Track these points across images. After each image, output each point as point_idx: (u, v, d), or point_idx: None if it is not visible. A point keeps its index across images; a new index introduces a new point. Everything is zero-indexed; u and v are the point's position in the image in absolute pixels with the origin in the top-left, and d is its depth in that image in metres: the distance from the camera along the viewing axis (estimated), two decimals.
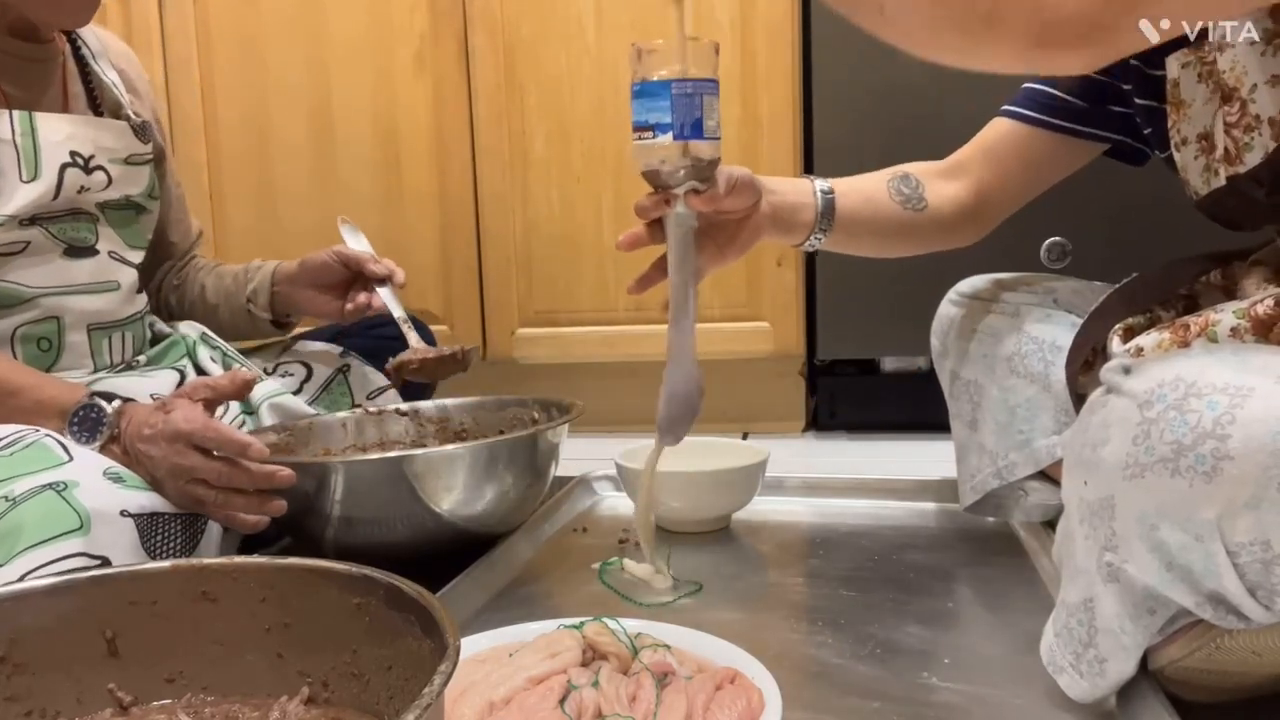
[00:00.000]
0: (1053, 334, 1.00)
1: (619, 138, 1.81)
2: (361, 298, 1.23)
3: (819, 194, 1.01)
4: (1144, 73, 0.90)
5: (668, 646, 0.75)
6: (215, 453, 0.92)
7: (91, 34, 1.20)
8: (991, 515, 1.11)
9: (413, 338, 1.22)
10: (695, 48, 0.84)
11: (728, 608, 0.95)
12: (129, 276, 1.19)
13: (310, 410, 1.24)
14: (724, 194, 0.90)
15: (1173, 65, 0.82)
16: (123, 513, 0.85)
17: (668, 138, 0.84)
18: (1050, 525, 1.04)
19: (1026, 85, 1.03)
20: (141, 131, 1.19)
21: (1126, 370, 0.65)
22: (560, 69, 1.85)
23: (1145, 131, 0.93)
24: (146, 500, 0.89)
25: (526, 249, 1.91)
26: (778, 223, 0.99)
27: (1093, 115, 0.99)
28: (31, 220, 1.07)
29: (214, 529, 0.96)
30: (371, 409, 1.25)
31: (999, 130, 1.05)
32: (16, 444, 0.87)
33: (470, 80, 1.88)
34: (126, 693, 0.59)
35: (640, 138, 0.86)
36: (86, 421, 0.94)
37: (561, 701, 0.67)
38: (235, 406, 1.20)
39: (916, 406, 1.75)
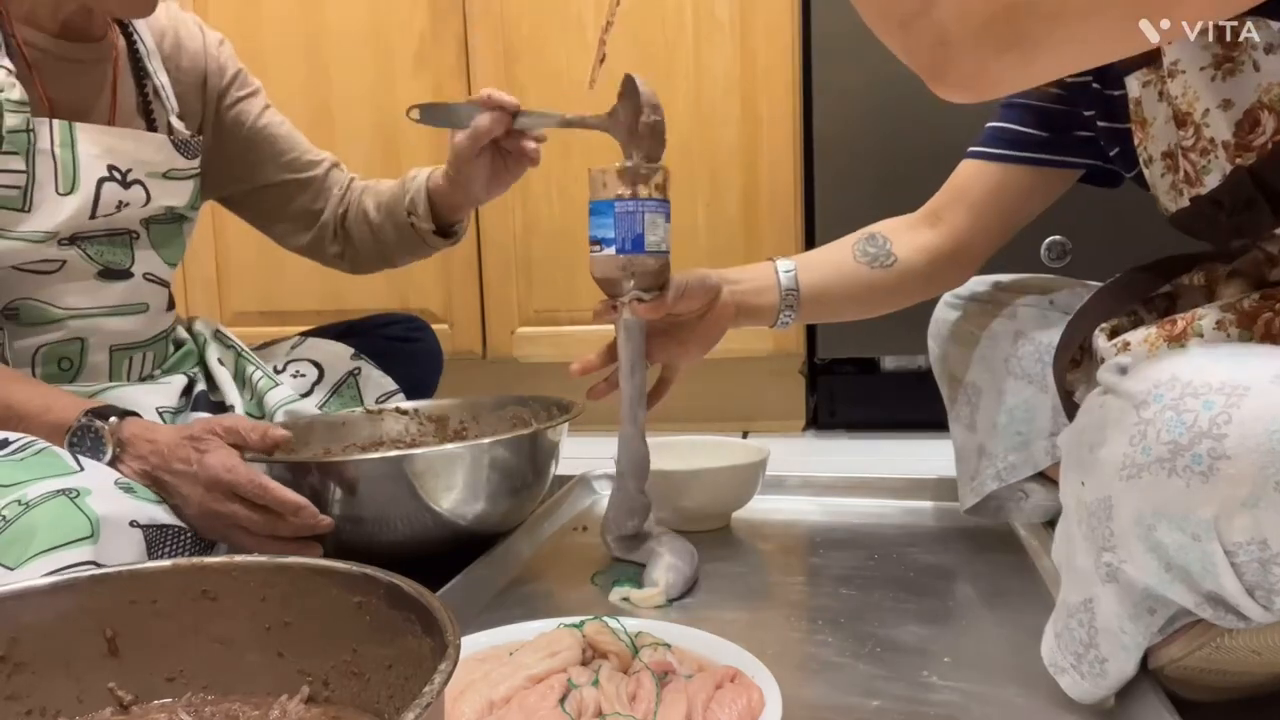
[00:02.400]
0: (1050, 335, 1.00)
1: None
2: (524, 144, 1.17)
3: (780, 274, 1.04)
4: (1104, 94, 0.89)
5: (668, 645, 0.75)
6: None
7: (146, 30, 1.16)
8: (992, 517, 1.10)
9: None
10: (642, 171, 0.95)
11: (728, 607, 0.95)
12: (160, 297, 1.18)
13: (319, 414, 1.24)
14: (671, 302, 0.96)
15: (1133, 84, 0.81)
16: (132, 523, 0.84)
17: (611, 251, 0.93)
18: (1050, 525, 1.04)
19: (989, 124, 1.02)
20: (184, 147, 1.16)
21: (1123, 370, 0.65)
22: (560, 68, 1.85)
23: (1111, 153, 0.92)
24: (156, 512, 0.89)
25: (526, 249, 1.91)
26: (742, 311, 1.04)
27: (1057, 144, 0.98)
28: (70, 240, 1.05)
29: (222, 545, 0.96)
30: (372, 408, 1.25)
31: (968, 172, 1.04)
32: (28, 449, 0.87)
33: (470, 79, 1.88)
34: (127, 691, 0.59)
35: (592, 251, 0.95)
36: (85, 441, 0.94)
37: (561, 700, 0.67)
38: (244, 405, 1.20)
39: (916, 405, 1.75)
